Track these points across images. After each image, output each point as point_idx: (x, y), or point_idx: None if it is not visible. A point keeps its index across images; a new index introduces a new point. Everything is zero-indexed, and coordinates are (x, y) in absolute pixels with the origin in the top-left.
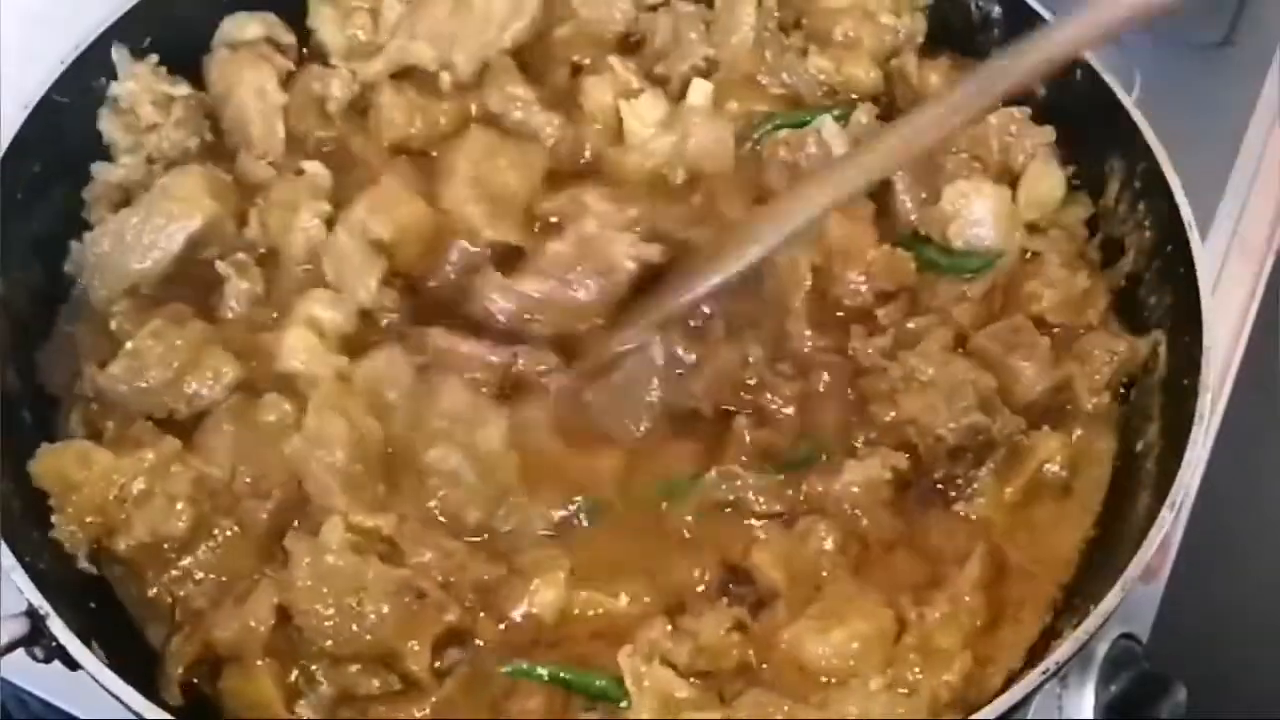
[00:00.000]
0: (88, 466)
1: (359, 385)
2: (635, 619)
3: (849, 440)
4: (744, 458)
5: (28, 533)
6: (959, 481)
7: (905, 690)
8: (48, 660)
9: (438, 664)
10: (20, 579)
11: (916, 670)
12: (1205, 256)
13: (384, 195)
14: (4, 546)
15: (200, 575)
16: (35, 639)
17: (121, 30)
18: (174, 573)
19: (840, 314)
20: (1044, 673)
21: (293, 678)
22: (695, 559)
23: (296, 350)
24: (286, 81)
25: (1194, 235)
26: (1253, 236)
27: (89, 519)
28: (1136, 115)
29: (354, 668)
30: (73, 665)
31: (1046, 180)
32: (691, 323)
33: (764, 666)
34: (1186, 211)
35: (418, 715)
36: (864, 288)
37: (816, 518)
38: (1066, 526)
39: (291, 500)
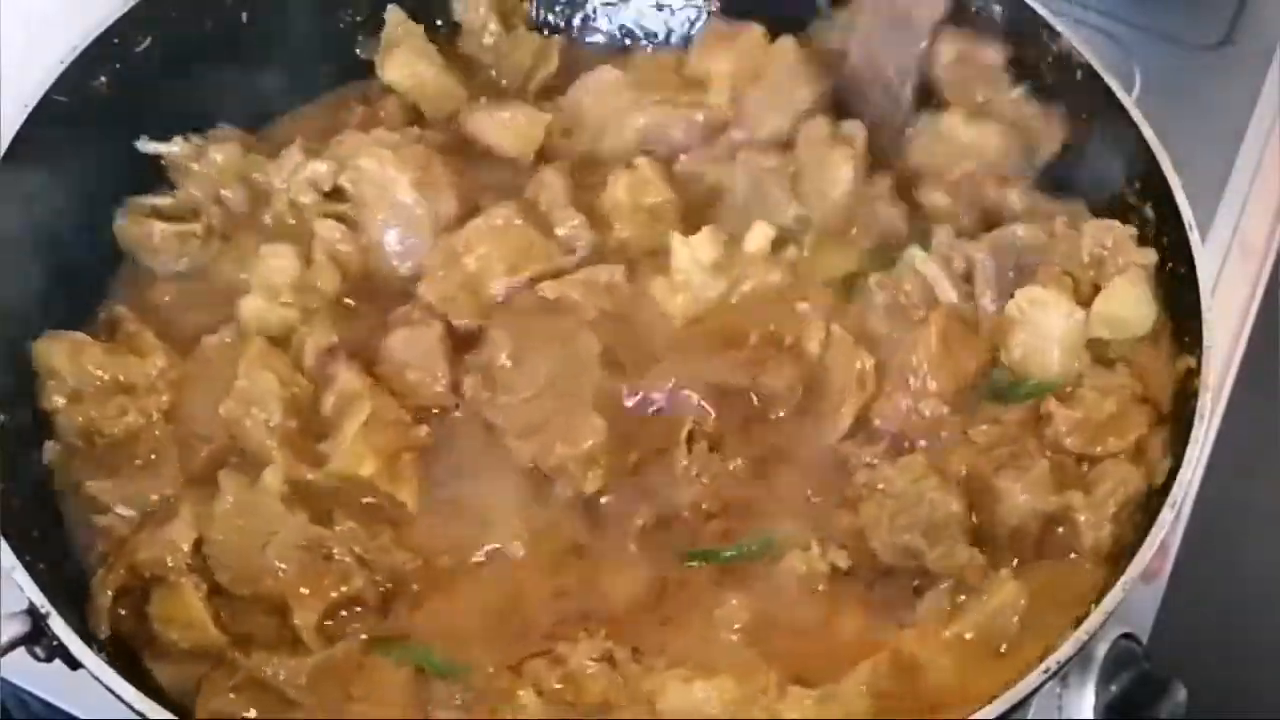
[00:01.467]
0: (77, 357)
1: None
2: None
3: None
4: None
5: (28, 531)
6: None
7: None
8: (49, 659)
9: (329, 623)
10: (21, 577)
11: None
12: (1205, 257)
13: None
14: (4, 545)
15: (131, 489)
16: (36, 638)
17: (119, 32)
18: (105, 483)
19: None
20: (1045, 672)
21: None
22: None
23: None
24: None
25: (1194, 236)
26: (1253, 236)
27: (59, 398)
28: (1136, 114)
29: (249, 610)
30: (74, 664)
31: (1131, 303)
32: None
33: (621, 706)
34: (1187, 213)
35: (295, 668)
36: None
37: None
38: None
39: (233, 446)
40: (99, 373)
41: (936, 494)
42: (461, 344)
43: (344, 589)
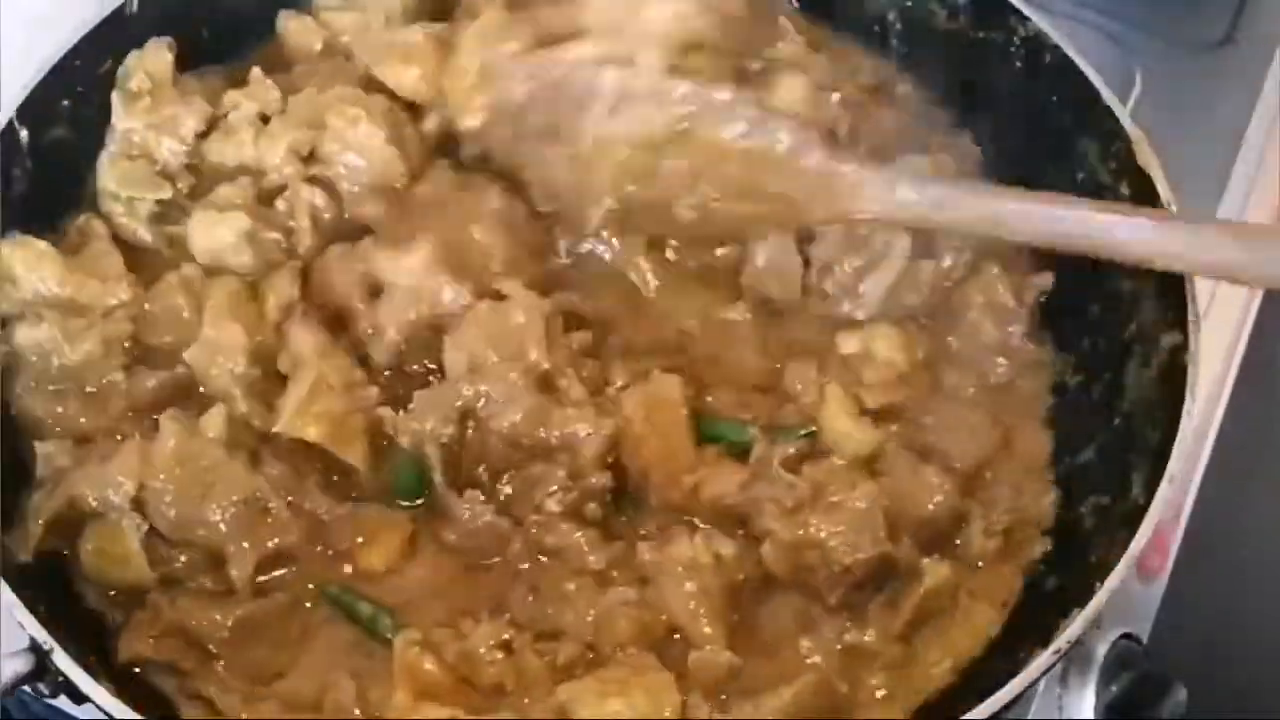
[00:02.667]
0: (39, 267)
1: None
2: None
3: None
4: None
5: (27, 567)
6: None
7: None
8: (54, 695)
9: (261, 579)
10: (22, 614)
11: None
12: None
13: None
14: (3, 584)
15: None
16: (40, 674)
17: (102, 35)
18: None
19: None
20: (1055, 653)
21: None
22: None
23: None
24: None
25: (1173, 210)
26: None
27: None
28: (1108, 95)
29: (182, 556)
30: (80, 699)
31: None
32: None
33: (526, 701)
34: (1164, 189)
35: (218, 620)
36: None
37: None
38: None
39: (183, 383)
40: (56, 290)
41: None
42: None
43: (281, 539)
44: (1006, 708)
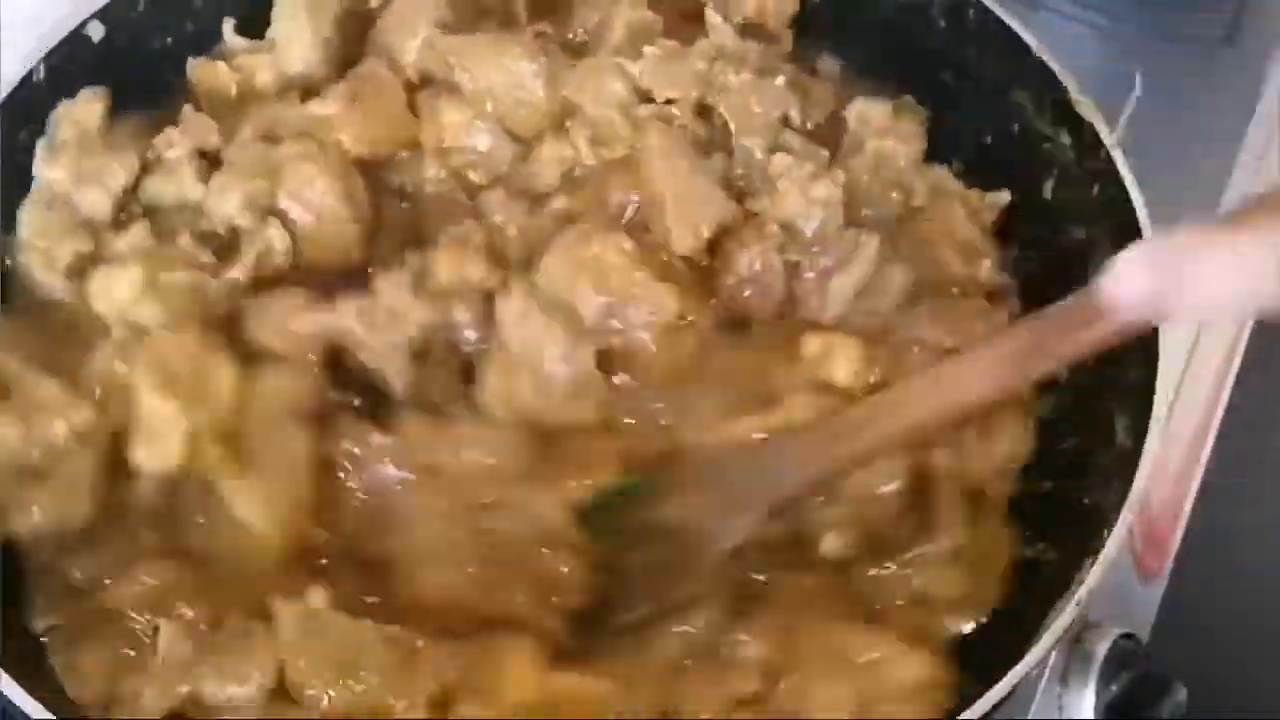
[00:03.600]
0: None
1: None
2: None
3: None
4: None
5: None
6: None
7: None
8: None
9: None
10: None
11: None
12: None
13: None
14: None
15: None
16: None
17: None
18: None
19: None
20: (1077, 603)
21: None
22: None
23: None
24: None
25: (1117, 154)
26: None
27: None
28: (1038, 46)
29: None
30: None
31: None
32: None
33: None
34: (1107, 134)
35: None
36: None
37: None
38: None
39: None
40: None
41: None
42: None
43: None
44: (1004, 700)
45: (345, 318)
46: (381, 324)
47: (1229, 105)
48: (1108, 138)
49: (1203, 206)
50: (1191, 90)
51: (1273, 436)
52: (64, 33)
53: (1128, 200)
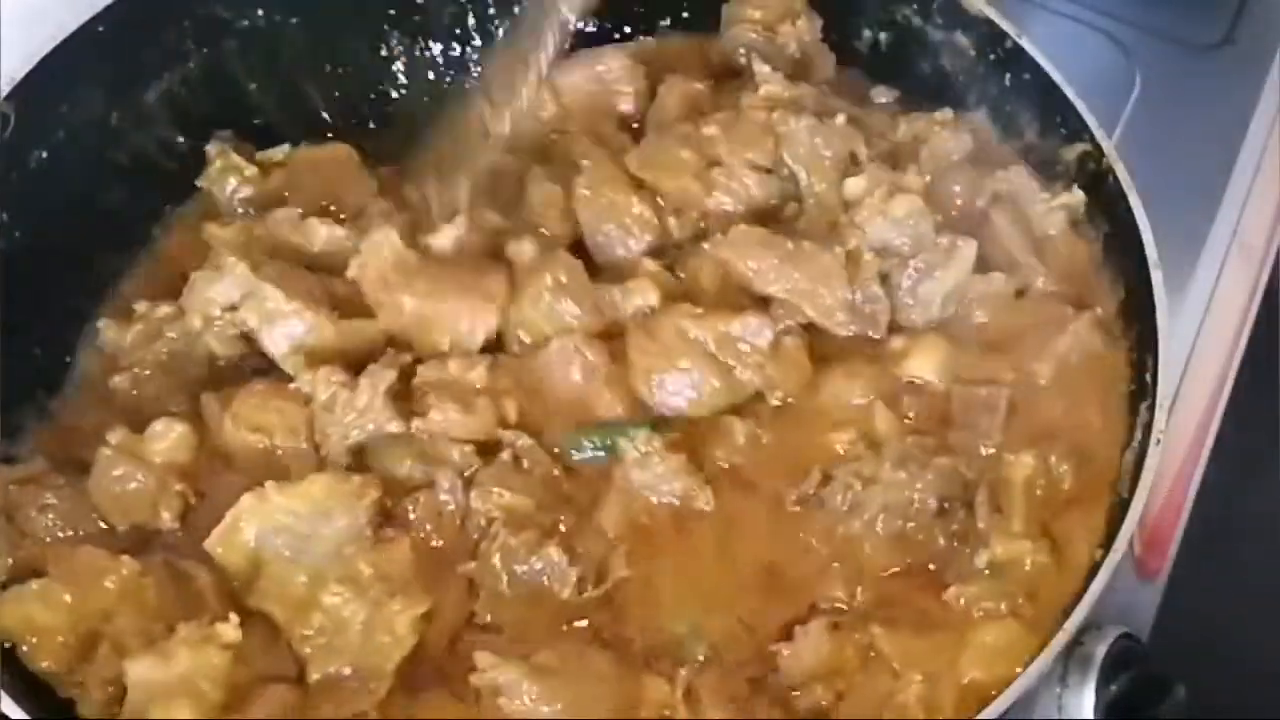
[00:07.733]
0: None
1: None
2: None
3: None
4: None
5: None
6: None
7: None
8: None
9: None
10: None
11: None
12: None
13: None
14: None
15: None
16: None
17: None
18: None
19: None
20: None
21: None
22: None
23: None
24: None
25: (1120, 168)
26: (1253, 237)
27: None
28: (1038, 56)
29: None
30: None
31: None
32: None
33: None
34: (1108, 145)
35: None
36: None
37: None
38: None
39: None
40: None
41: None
42: None
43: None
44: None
45: None
46: None
47: (1229, 105)
48: (1054, 74)
49: (1202, 206)
50: (1191, 90)
51: (1273, 437)
52: None
53: (1129, 204)
